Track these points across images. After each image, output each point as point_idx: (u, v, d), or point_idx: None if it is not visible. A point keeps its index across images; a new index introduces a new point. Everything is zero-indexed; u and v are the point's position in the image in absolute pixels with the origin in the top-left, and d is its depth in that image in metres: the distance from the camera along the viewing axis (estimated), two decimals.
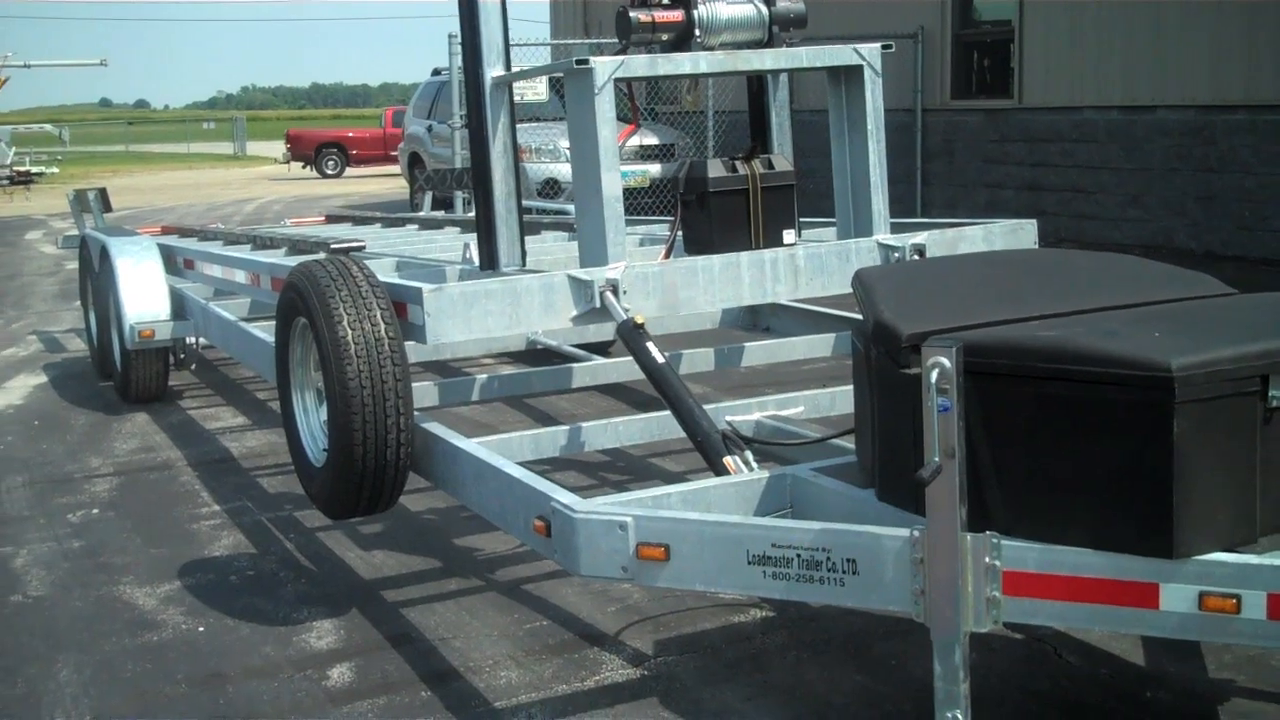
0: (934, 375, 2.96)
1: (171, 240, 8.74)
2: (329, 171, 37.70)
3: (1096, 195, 14.24)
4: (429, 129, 18.90)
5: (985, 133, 15.64)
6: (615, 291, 4.52)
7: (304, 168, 38.25)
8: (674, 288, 4.69)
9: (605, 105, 4.67)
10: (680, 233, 5.09)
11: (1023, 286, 3.68)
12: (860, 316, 3.67)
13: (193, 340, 7.93)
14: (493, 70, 5.07)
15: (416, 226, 9.33)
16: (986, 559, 3.05)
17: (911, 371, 3.20)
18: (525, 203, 10.64)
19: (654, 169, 15.79)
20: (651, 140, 15.57)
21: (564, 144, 15.28)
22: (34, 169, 36.29)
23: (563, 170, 15.45)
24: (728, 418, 4.87)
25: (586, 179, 4.76)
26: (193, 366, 8.29)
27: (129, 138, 66.88)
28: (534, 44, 16.76)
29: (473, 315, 4.39)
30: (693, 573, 3.38)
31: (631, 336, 4.39)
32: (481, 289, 4.43)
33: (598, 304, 4.51)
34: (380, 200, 24.65)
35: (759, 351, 6.01)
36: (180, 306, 7.65)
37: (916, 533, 3.10)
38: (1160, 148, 13.46)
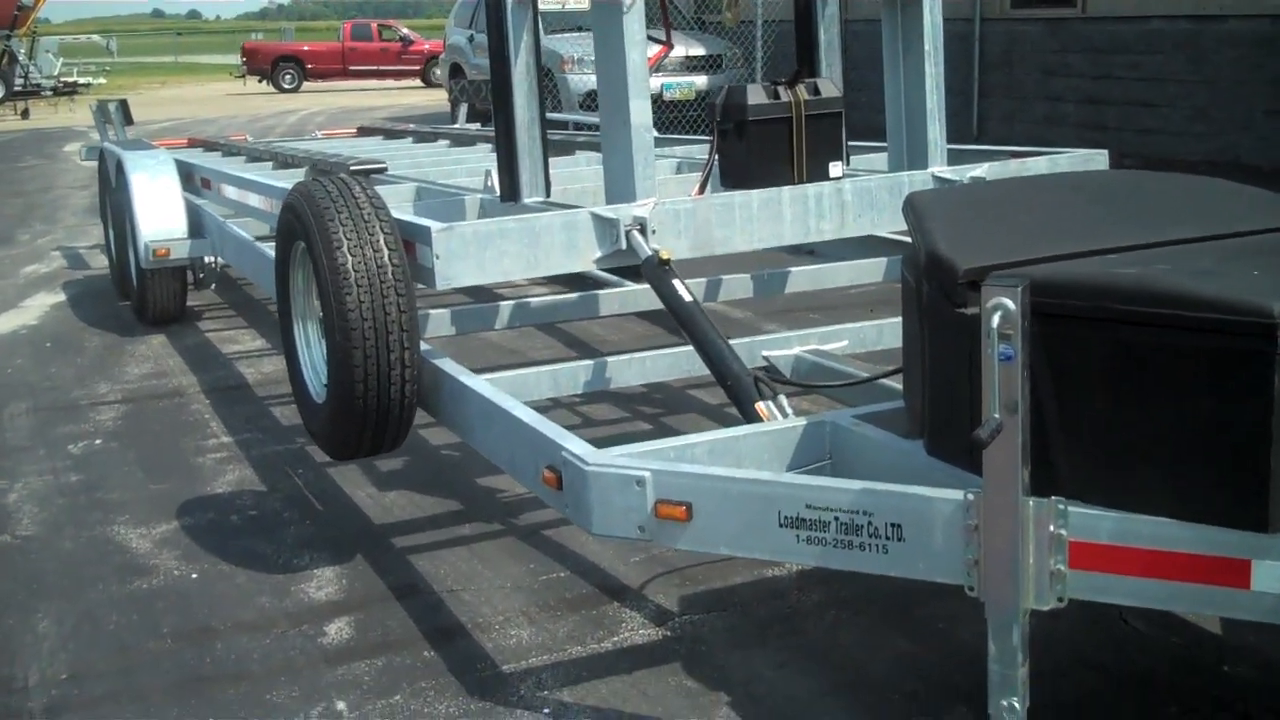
0: (995, 318, 2.56)
1: (190, 156, 8.36)
2: (285, 86, 37.22)
3: (1161, 109, 13.62)
4: (470, 39, 18.43)
5: (1046, 43, 15.00)
6: (643, 230, 4.12)
7: (260, 82, 37.65)
8: (708, 226, 4.28)
9: (635, 25, 4.23)
10: (716, 164, 4.65)
11: (1095, 214, 3.24)
12: (910, 243, 3.26)
13: (211, 259, 7.60)
14: None
15: (449, 142, 8.91)
16: (1051, 528, 2.66)
17: (969, 311, 2.80)
18: (563, 116, 10.24)
19: (700, 81, 15.30)
20: (698, 50, 15.04)
21: None
22: (80, 80, 36.10)
23: None
24: (764, 352, 4.51)
25: (613, 106, 4.33)
26: (212, 286, 7.97)
27: (178, 48, 66.60)
28: None
29: (487, 256, 4.01)
30: (717, 535, 3.01)
31: (656, 275, 4.01)
32: (496, 228, 4.05)
33: (624, 245, 4.12)
34: (423, 111, 24.20)
35: (802, 278, 5.58)
36: (198, 223, 7.30)
37: (971, 496, 2.71)
38: (1229, 59, 12.82)
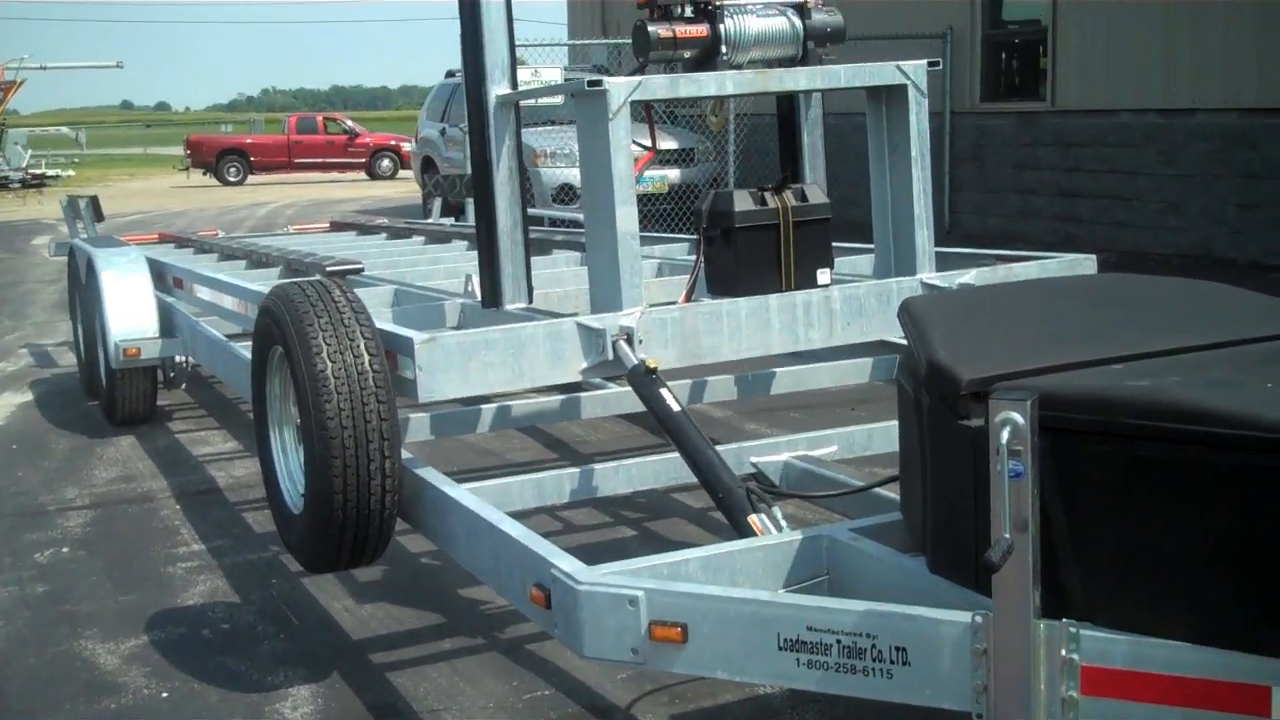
0: (1005, 434, 2.47)
1: (162, 255, 8.25)
2: (230, 179, 37.06)
3: (1133, 202, 13.70)
4: (442, 132, 18.43)
5: (1017, 137, 15.11)
6: (630, 340, 4.05)
7: (204, 174, 37.52)
8: (695, 335, 4.21)
9: (620, 132, 4.16)
10: (702, 270, 4.57)
11: (1095, 320, 3.17)
12: (905, 346, 3.18)
13: (182, 359, 7.47)
14: (497, 88, 4.59)
15: (424, 239, 8.83)
16: (1063, 652, 2.56)
17: (973, 424, 2.71)
18: (539, 211, 10.21)
19: (673, 174, 15.31)
20: (670, 144, 15.06)
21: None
22: (49, 172, 36.06)
23: (578, 175, 14.97)
24: (753, 458, 4.40)
25: (598, 212, 4.26)
26: (183, 386, 7.84)
27: (147, 140, 66.73)
28: (549, 44, 16.27)
29: (471, 368, 3.92)
30: (714, 658, 2.89)
31: (643, 383, 3.93)
32: (481, 339, 3.96)
33: (610, 355, 4.04)
34: (393, 205, 24.21)
35: (786, 379, 5.49)
36: (169, 323, 7.18)
37: (979, 618, 2.60)
38: (1200, 153, 12.92)
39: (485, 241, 4.66)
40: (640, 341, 4.05)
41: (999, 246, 14.21)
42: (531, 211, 8.60)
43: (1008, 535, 2.48)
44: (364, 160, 38.28)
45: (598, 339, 4.04)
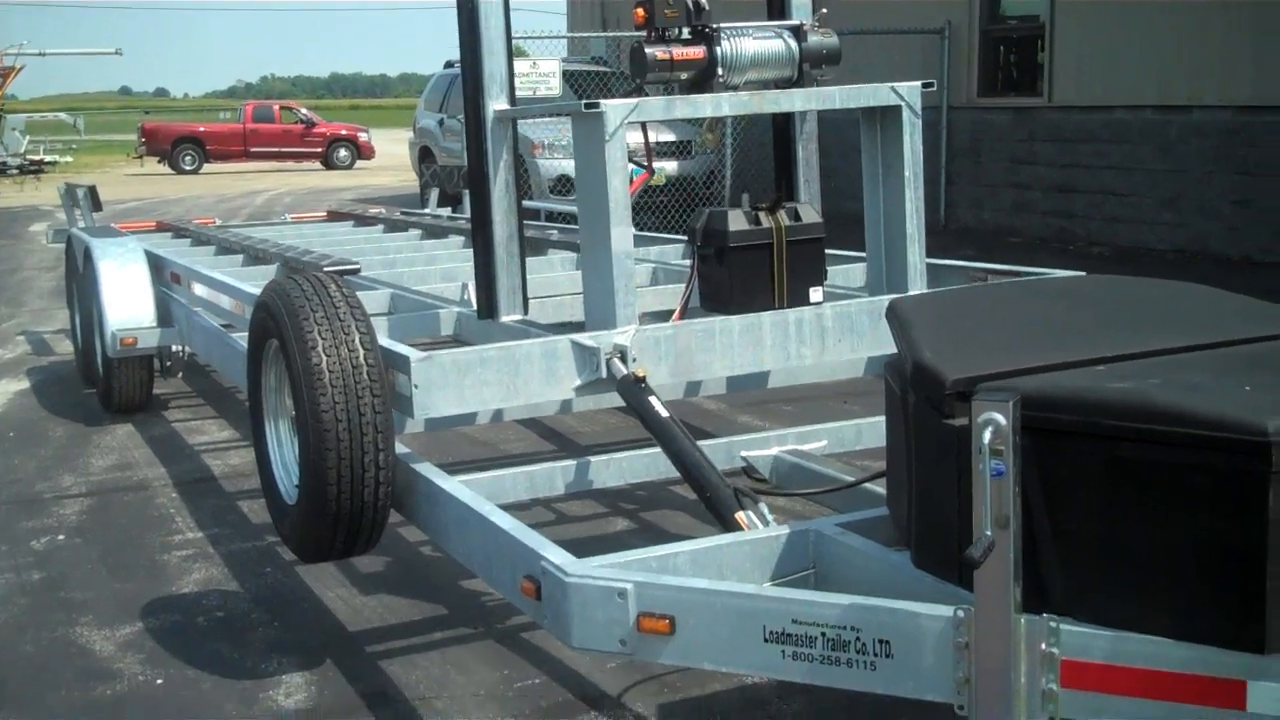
0: (987, 433, 2.52)
1: (159, 245, 8.27)
2: (185, 167, 36.76)
3: (1129, 198, 13.75)
4: (440, 123, 18.46)
5: (1013, 132, 15.15)
6: (624, 358, 4.11)
7: (159, 163, 37.27)
8: (689, 352, 4.27)
9: (617, 153, 4.20)
10: (695, 286, 4.62)
11: (1080, 322, 3.22)
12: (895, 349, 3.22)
13: (178, 348, 7.51)
14: (495, 104, 4.63)
15: (420, 233, 8.86)
16: (1043, 646, 2.61)
17: (957, 423, 2.76)
18: (535, 204, 10.23)
19: (670, 166, 15.35)
20: (667, 136, 15.09)
21: None
22: (47, 158, 35.99)
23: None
24: (743, 453, 4.46)
25: (594, 232, 4.30)
26: (179, 375, 7.87)
27: None
28: (550, 36, 16.31)
29: (466, 386, 3.98)
30: (701, 649, 2.94)
31: (632, 393, 4.00)
32: (476, 357, 4.02)
33: (604, 373, 4.10)
34: (390, 193, 24.24)
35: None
36: (166, 312, 7.22)
37: (961, 613, 2.66)
38: (1196, 149, 12.97)
39: (481, 253, 4.71)
40: (634, 360, 4.12)
41: (993, 241, 14.30)
42: (528, 204, 8.65)
43: (989, 533, 2.53)
44: (320, 150, 38.18)
45: (592, 357, 4.10)
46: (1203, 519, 2.48)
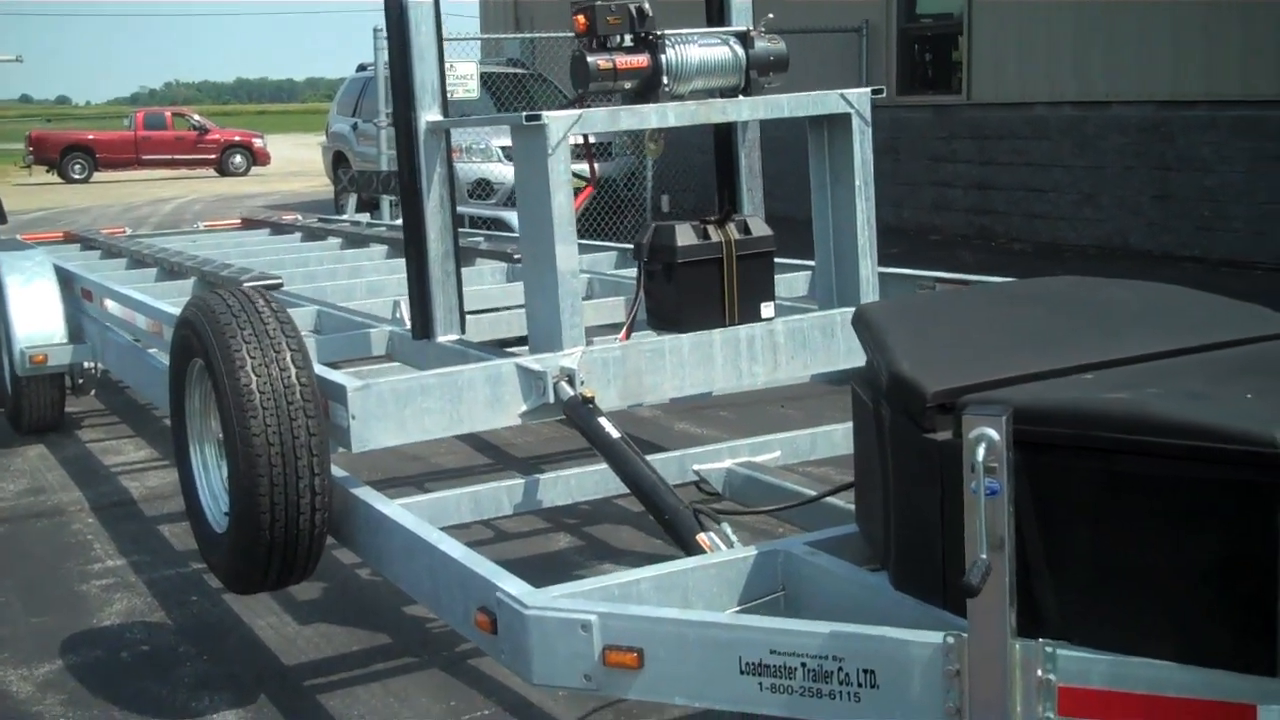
0: (980, 450, 2.37)
1: (68, 258, 7.96)
2: (75, 176, 35.88)
3: (1049, 194, 13.76)
4: (354, 127, 18.13)
5: (932, 130, 15.13)
6: (571, 381, 3.92)
7: (48, 172, 36.37)
8: (638, 373, 4.09)
9: (560, 168, 4.00)
10: (642, 304, 4.42)
11: (1060, 326, 3.07)
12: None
13: (91, 365, 7.21)
14: (428, 114, 4.42)
15: (341, 242, 8.60)
16: (1039, 672, 2.46)
17: (939, 437, 2.61)
18: (459, 209, 10.00)
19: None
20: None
21: (496, 142, 14.60)
22: None
23: (494, 170, 14.78)
24: (695, 466, 4.30)
25: (537, 251, 4.10)
26: (92, 392, 7.57)
27: None
28: (463, 39, 16.07)
29: (407, 415, 3.78)
30: (672, 683, 2.76)
31: (580, 414, 3.82)
32: (417, 384, 3.82)
33: (551, 398, 3.91)
34: (303, 200, 23.84)
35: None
36: (77, 327, 6.92)
37: (951, 639, 2.50)
38: (1115, 145, 13.00)
39: (415, 272, 4.51)
40: (582, 383, 3.93)
41: (915, 240, 14.26)
42: None
43: (984, 556, 2.38)
44: (214, 157, 37.49)
45: (538, 381, 3.91)
46: (1208, 535, 2.34)
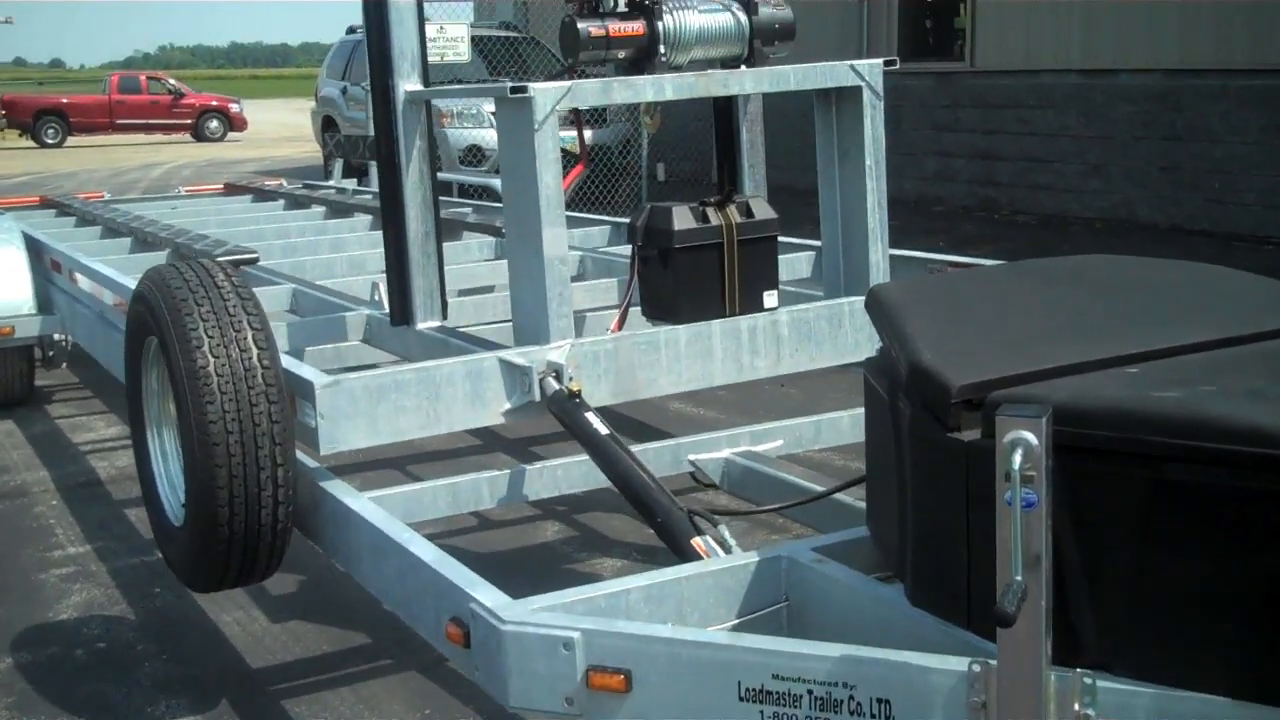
0: (1017, 457, 2.07)
1: (40, 226, 7.65)
2: (49, 140, 35.35)
3: (1054, 165, 13.45)
4: (344, 91, 17.77)
5: (935, 98, 14.81)
6: (559, 377, 3.62)
7: (20, 136, 35.82)
8: (631, 368, 3.79)
9: (548, 144, 3.67)
10: (636, 292, 4.11)
11: (1096, 311, 2.78)
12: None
13: (61, 336, 6.91)
14: (406, 83, 4.10)
15: (325, 211, 8.28)
16: (1076, 706, 2.18)
17: (964, 437, 2.32)
18: (447, 176, 9.70)
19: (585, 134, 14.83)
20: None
21: (488, 108, 14.25)
22: None
23: (486, 136, 14.42)
24: (690, 456, 4.00)
25: (523, 234, 3.78)
26: (63, 365, 7.28)
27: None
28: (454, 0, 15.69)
29: (380, 414, 3.48)
30: (663, 709, 2.49)
31: (566, 410, 3.52)
32: (391, 380, 3.51)
33: (536, 395, 3.61)
34: (293, 165, 23.49)
35: None
36: (47, 298, 6.62)
37: (978, 667, 2.22)
38: (1122, 114, 12.68)
39: (394, 253, 4.19)
40: (570, 378, 3.63)
41: (916, 211, 13.95)
42: (440, 176, 8.12)
43: (1020, 578, 2.09)
44: (190, 121, 36.99)
45: (523, 377, 3.61)
46: (1269, 554, 2.06)
